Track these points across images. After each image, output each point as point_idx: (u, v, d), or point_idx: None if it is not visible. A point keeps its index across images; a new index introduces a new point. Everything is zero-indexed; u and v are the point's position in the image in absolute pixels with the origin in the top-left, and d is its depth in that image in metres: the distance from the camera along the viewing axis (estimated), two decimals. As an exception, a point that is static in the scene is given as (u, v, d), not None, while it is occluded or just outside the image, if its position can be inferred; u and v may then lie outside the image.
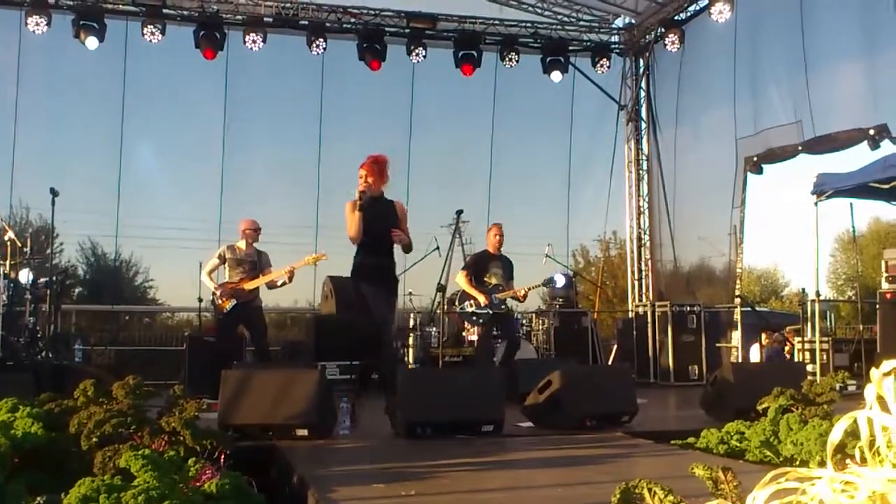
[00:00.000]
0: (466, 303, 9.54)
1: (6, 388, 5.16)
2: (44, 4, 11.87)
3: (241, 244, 9.04)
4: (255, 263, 8.94)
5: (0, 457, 3.94)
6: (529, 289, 9.47)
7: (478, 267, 9.40)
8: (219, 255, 9.07)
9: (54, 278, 10.10)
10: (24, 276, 9.74)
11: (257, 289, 8.87)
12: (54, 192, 8.68)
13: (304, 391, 5.76)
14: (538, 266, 11.48)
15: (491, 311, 9.21)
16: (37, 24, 11.72)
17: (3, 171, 12.53)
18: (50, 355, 9.30)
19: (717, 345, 11.99)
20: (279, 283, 8.79)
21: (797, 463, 4.62)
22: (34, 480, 3.94)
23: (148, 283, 18.84)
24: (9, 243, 9.44)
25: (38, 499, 3.56)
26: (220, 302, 8.84)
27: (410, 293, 11.85)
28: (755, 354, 12.30)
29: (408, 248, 6.97)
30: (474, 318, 9.50)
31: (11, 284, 9.38)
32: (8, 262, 9.42)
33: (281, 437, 5.54)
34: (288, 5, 12.99)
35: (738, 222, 12.52)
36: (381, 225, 6.65)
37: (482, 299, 9.21)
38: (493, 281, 9.32)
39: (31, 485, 3.86)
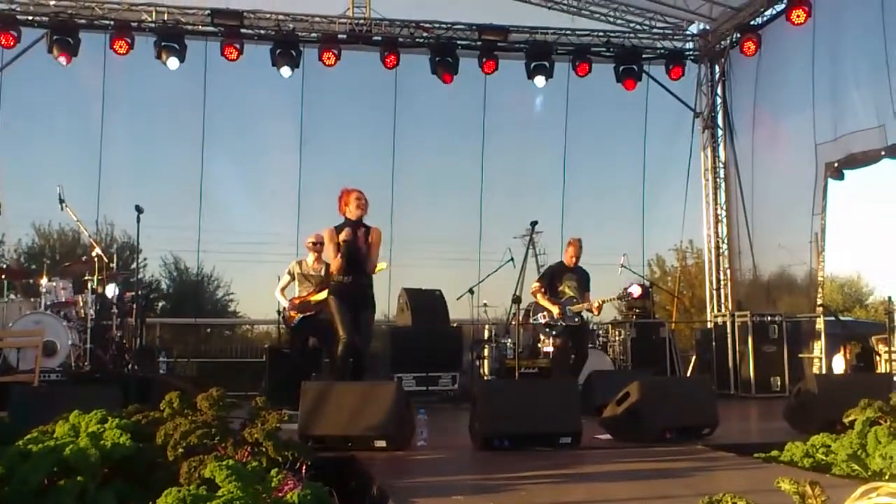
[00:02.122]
0: (539, 315, 9.59)
1: (95, 399, 5.29)
2: (127, 27, 12.26)
3: (310, 259, 9.25)
4: (323, 277, 9.08)
5: (90, 467, 4.05)
6: (604, 302, 9.41)
7: (552, 279, 9.42)
8: (289, 271, 9.39)
9: (139, 292, 10.39)
10: (111, 290, 10.06)
11: (325, 301, 9.00)
12: (139, 210, 8.92)
13: (381, 403, 5.82)
14: (613, 276, 11.33)
15: (565, 324, 9.22)
16: (120, 46, 12.09)
17: (90, 190, 12.94)
18: (136, 367, 9.56)
19: (800, 355, 11.68)
20: None
21: (887, 477, 4.49)
22: (122, 490, 4.04)
23: (229, 296, 19.21)
24: (96, 259, 9.76)
25: (128, 508, 3.66)
26: (287, 316, 9.09)
27: (485, 304, 11.83)
28: (839, 365, 11.96)
29: (371, 268, 7.48)
30: (547, 329, 9.53)
31: (99, 299, 9.70)
32: (95, 278, 9.74)
33: (359, 448, 5.60)
34: (361, 22, 13.16)
35: (819, 229, 12.18)
36: (359, 246, 7.38)
37: (555, 311, 9.23)
38: (568, 293, 9.31)
39: (119, 494, 3.96)
